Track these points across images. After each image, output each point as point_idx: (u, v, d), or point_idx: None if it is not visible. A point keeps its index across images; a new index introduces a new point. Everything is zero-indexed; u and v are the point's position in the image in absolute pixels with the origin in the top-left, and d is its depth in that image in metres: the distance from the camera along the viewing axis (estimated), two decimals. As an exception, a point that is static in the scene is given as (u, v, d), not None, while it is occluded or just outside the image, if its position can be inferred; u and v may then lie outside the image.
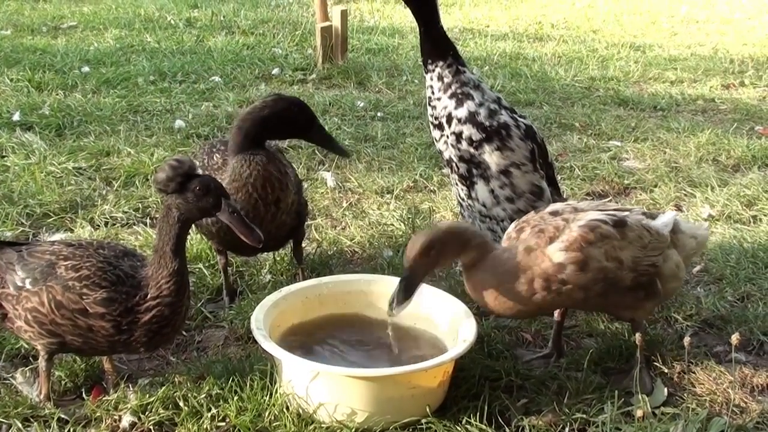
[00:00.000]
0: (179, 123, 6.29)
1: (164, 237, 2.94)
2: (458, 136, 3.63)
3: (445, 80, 3.66)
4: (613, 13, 12.75)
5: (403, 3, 3.73)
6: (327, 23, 8.14)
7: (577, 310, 3.75)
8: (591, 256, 3.06)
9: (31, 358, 3.41)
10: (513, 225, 3.28)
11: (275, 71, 8.03)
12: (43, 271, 2.99)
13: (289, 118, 3.70)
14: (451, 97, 3.64)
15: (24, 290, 3.00)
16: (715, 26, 12.07)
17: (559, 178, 5.16)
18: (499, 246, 3.20)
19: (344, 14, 8.19)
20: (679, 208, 5.13)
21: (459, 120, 3.62)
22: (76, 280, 2.94)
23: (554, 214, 3.22)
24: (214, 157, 3.78)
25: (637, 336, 3.29)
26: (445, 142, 3.70)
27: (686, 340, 3.31)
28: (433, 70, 3.68)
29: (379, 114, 6.88)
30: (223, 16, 10.53)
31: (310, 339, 3.38)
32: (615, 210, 3.27)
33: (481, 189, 3.70)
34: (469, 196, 3.77)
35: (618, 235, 3.13)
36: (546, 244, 3.07)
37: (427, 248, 2.99)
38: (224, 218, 3.00)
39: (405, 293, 3.03)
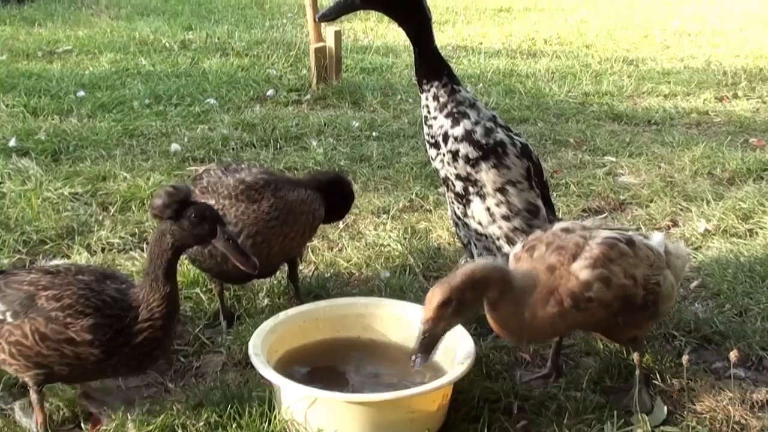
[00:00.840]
0: (175, 146, 6.30)
1: (156, 261, 2.93)
2: (455, 154, 3.63)
3: (441, 100, 3.66)
4: (605, 28, 12.79)
5: (396, 23, 3.74)
6: (321, 44, 8.16)
7: (584, 331, 3.72)
8: (613, 273, 3.03)
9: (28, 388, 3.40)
10: (520, 245, 3.22)
11: (270, 92, 8.05)
12: (22, 303, 2.94)
13: (346, 199, 4.12)
14: (447, 116, 3.64)
15: (5, 323, 2.95)
16: (707, 38, 12.11)
17: (555, 195, 5.18)
18: (516, 272, 3.07)
19: (338, 35, 8.21)
20: (675, 224, 5.14)
21: (455, 138, 3.62)
22: (59, 310, 2.90)
23: (567, 231, 3.18)
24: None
25: (636, 354, 3.29)
26: (442, 161, 3.70)
27: (685, 357, 3.31)
28: (429, 90, 3.68)
29: (374, 134, 6.88)
30: (218, 38, 10.56)
31: (308, 364, 3.38)
32: (618, 229, 3.27)
33: (477, 207, 3.70)
34: (465, 215, 3.77)
35: (632, 252, 3.12)
36: (569, 262, 3.02)
37: (444, 303, 2.86)
38: (219, 245, 3.00)
39: (425, 351, 2.90)
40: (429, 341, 2.89)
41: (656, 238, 3.32)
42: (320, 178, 4.04)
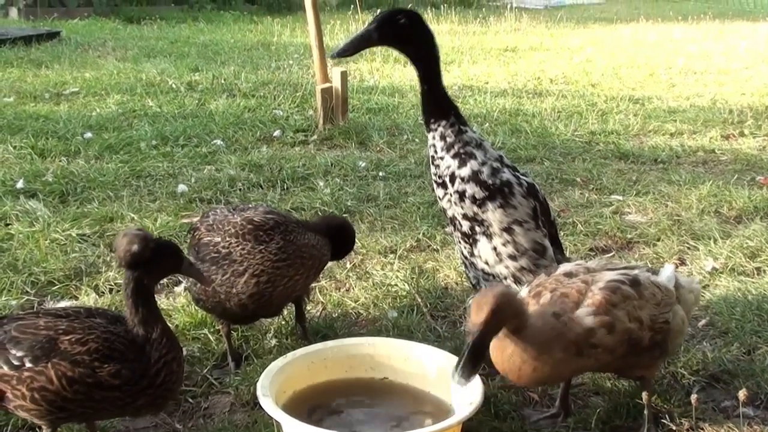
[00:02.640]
0: (182, 187, 6.32)
1: (141, 309, 2.99)
2: (461, 194, 3.63)
3: (448, 140, 3.67)
4: (611, 67, 12.85)
5: (408, 61, 3.75)
6: (327, 84, 8.20)
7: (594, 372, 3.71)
8: (616, 318, 3.02)
9: (37, 429, 3.38)
10: (526, 289, 3.23)
11: (276, 133, 8.08)
12: (43, 348, 2.89)
13: (348, 245, 4.20)
14: (454, 156, 3.65)
15: (25, 369, 2.89)
16: (712, 77, 12.16)
17: (562, 234, 5.17)
18: (530, 312, 3.07)
19: (344, 75, 8.25)
20: (682, 262, 5.13)
21: (462, 179, 3.62)
22: (85, 354, 2.88)
23: (569, 275, 3.18)
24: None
25: (645, 394, 3.28)
26: (449, 201, 3.71)
27: (693, 397, 3.30)
28: (436, 130, 3.69)
29: (380, 174, 6.90)
30: (224, 79, 10.62)
31: (317, 404, 3.37)
32: (624, 268, 3.26)
33: (483, 246, 3.70)
34: (472, 254, 3.77)
35: (636, 294, 3.11)
36: (573, 310, 3.02)
37: (495, 311, 2.83)
38: (186, 272, 3.20)
39: (475, 363, 2.86)
40: (478, 352, 2.85)
41: (666, 272, 3.32)
42: (330, 223, 4.08)
